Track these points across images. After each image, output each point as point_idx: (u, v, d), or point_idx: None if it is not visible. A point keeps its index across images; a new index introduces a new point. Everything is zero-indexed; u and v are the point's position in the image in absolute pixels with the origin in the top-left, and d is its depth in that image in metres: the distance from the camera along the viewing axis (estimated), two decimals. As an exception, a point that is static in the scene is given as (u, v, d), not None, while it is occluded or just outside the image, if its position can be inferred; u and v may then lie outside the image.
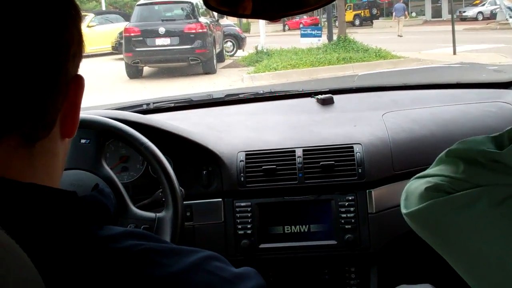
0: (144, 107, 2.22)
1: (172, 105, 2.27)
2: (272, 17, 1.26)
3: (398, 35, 21.02)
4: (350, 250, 1.76)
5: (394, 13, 23.14)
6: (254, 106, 2.28)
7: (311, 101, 2.21)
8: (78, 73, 0.66)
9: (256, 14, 1.11)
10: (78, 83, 0.65)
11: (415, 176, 1.10)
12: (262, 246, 1.77)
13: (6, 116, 0.57)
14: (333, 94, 2.21)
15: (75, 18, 0.64)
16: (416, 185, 1.05)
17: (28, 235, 0.52)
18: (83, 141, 1.57)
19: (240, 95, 2.38)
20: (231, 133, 1.97)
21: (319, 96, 2.19)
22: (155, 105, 2.25)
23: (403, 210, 1.07)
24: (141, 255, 0.59)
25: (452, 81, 2.45)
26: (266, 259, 1.79)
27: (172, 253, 0.62)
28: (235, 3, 1.07)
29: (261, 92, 2.40)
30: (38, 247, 0.51)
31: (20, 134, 0.58)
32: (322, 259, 1.82)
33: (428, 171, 1.06)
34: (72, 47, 0.62)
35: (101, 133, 1.57)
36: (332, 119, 2.05)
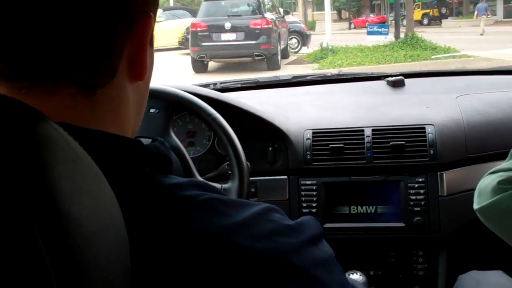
0: (211, 86, 2.22)
1: (239, 85, 2.27)
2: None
3: (481, 34, 21.28)
4: (419, 233, 1.71)
5: (476, 12, 23.50)
6: (322, 87, 2.24)
7: (381, 83, 2.15)
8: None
9: None
10: (144, 21, 0.59)
11: (488, 172, 1.09)
12: (326, 225, 1.74)
13: (59, 62, 0.53)
14: (404, 77, 2.15)
15: None
16: (488, 181, 1.04)
17: None
18: (152, 110, 1.58)
19: (308, 77, 2.35)
20: (298, 112, 1.94)
21: (390, 78, 2.13)
22: (222, 85, 2.25)
23: (475, 206, 1.08)
24: (206, 204, 0.58)
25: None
26: (330, 239, 1.73)
27: (235, 204, 0.60)
28: None
29: (329, 74, 2.36)
30: None
31: (77, 82, 0.55)
32: (389, 241, 1.78)
33: (501, 165, 1.05)
34: None
35: (170, 103, 1.58)
36: (403, 101, 1.99)
